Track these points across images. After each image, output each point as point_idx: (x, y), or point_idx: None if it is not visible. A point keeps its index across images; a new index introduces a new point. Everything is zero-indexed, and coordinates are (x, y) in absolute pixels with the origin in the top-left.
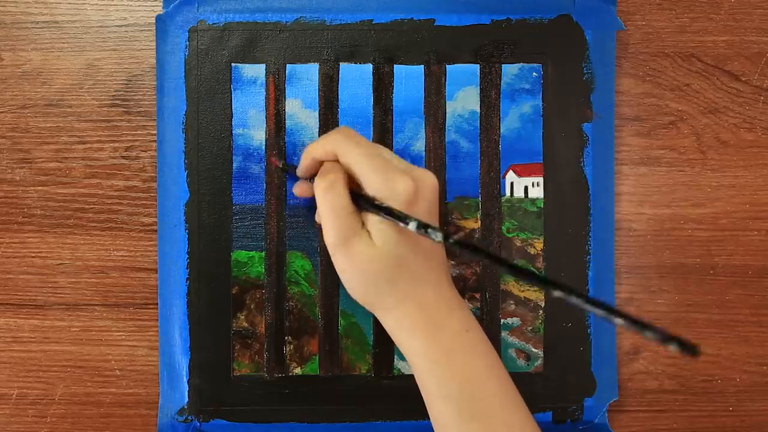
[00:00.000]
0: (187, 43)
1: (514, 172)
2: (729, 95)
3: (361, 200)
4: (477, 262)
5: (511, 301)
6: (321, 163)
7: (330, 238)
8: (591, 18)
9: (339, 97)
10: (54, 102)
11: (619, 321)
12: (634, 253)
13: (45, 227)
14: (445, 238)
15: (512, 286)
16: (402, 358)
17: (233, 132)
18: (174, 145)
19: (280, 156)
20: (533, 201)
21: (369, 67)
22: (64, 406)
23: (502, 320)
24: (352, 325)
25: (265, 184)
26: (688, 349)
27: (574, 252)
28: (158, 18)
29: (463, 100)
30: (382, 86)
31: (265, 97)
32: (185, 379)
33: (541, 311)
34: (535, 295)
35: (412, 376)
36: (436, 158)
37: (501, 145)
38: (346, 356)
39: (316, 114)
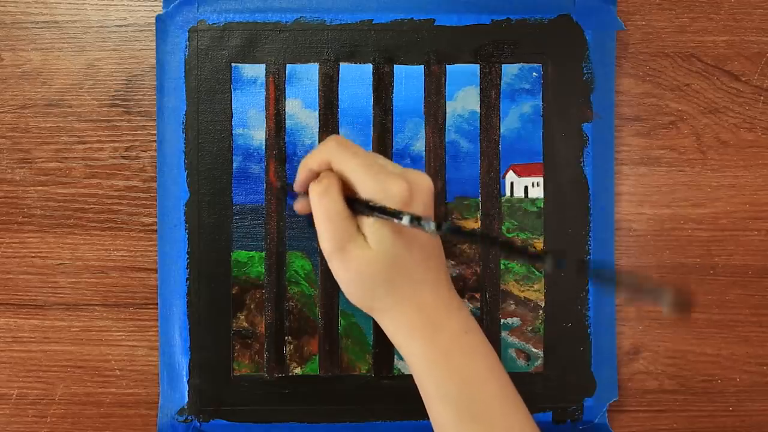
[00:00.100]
0: (187, 43)
1: (514, 172)
2: (729, 95)
3: (355, 204)
4: (477, 262)
5: (511, 301)
6: (317, 174)
7: (326, 243)
8: (591, 18)
9: (339, 97)
10: (54, 102)
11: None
12: (634, 253)
13: (45, 227)
14: (438, 226)
15: (512, 286)
16: (402, 358)
17: (233, 132)
18: (174, 145)
19: (280, 168)
20: (533, 201)
21: (369, 67)
22: (64, 406)
23: (502, 320)
24: (352, 325)
25: (265, 184)
26: (682, 307)
27: (574, 252)
28: (158, 18)
29: (463, 100)
30: (382, 86)
31: (265, 97)
32: (185, 379)
33: (541, 311)
34: (535, 295)
35: (411, 376)
36: (436, 158)
37: (501, 145)
38: (346, 356)
39: (316, 114)
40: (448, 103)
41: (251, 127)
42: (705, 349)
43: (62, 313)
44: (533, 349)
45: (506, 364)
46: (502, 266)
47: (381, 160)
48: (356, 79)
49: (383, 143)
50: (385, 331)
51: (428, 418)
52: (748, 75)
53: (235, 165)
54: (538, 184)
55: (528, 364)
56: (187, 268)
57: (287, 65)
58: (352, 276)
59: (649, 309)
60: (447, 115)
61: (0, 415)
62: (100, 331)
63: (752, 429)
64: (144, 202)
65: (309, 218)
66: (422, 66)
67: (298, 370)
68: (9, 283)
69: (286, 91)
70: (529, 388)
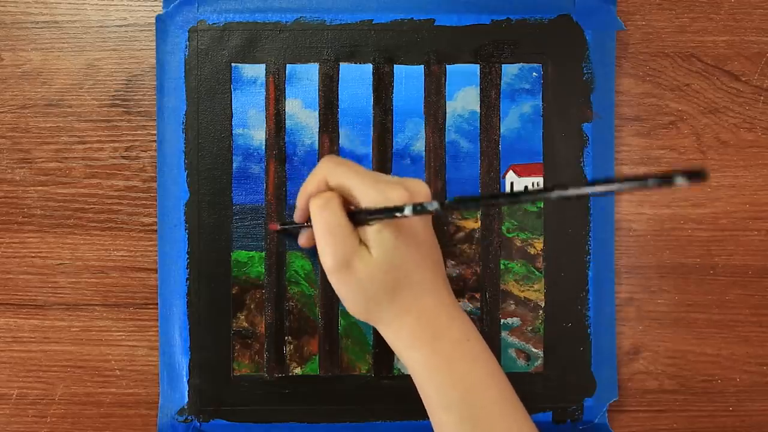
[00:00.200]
0: (187, 43)
1: (514, 172)
2: (729, 95)
3: (356, 215)
4: (477, 262)
5: (511, 301)
6: None
7: (328, 258)
8: (591, 18)
9: (339, 97)
10: (54, 102)
11: (617, 186)
12: (634, 253)
13: (45, 227)
14: (441, 204)
15: (512, 286)
16: None
17: (233, 132)
18: (174, 145)
19: (278, 187)
20: (533, 201)
21: (369, 67)
22: (64, 406)
23: (502, 320)
24: (352, 325)
25: (265, 184)
26: (695, 175)
27: (574, 252)
28: (158, 18)
29: (463, 100)
30: (382, 86)
31: (265, 97)
32: (185, 379)
33: (541, 311)
34: (535, 295)
35: (411, 377)
36: (436, 158)
37: (501, 145)
38: (346, 356)
39: (316, 114)
40: (448, 103)
41: (251, 127)
42: (705, 349)
43: (62, 313)
44: (533, 349)
45: (506, 364)
46: (502, 266)
47: (375, 173)
48: (356, 79)
49: (383, 143)
50: (386, 340)
51: (428, 419)
52: (748, 75)
53: (235, 165)
54: (538, 184)
55: (528, 364)
56: (187, 268)
57: (287, 65)
58: (355, 289)
59: (649, 309)
60: (447, 115)
61: (0, 415)
62: (100, 331)
63: (752, 429)
64: (144, 202)
65: (316, 253)
66: (422, 66)
67: (298, 370)
68: (9, 283)
69: (286, 91)
70: (529, 388)
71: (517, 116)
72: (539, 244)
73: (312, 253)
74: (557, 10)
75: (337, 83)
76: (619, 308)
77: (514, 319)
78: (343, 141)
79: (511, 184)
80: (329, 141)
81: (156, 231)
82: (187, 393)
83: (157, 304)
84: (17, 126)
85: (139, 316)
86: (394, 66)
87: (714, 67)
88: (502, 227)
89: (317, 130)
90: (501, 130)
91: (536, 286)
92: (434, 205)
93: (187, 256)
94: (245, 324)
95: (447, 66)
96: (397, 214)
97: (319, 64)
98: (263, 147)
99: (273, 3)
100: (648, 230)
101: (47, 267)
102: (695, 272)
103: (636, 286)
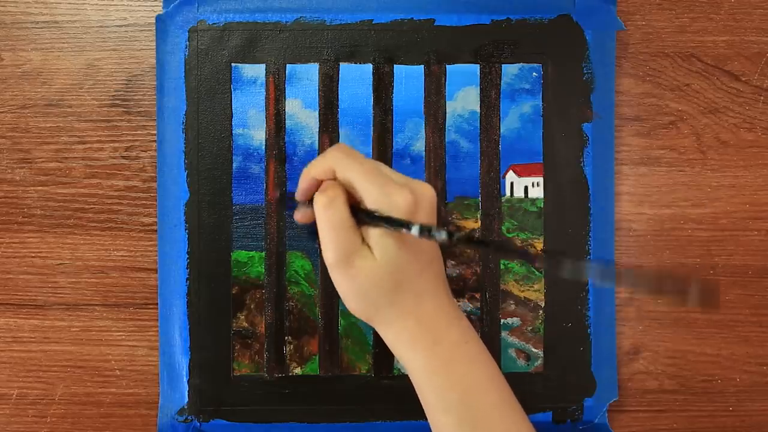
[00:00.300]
0: (187, 43)
1: (514, 172)
2: (729, 95)
3: (360, 215)
4: (477, 262)
5: (511, 301)
6: (320, 183)
7: (330, 255)
8: (591, 18)
9: (339, 97)
10: (54, 102)
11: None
12: (634, 253)
13: (45, 227)
14: (450, 236)
15: (512, 286)
16: None
17: (233, 132)
18: (174, 145)
19: (278, 181)
20: (533, 201)
21: (369, 67)
22: (64, 406)
23: (502, 320)
24: (352, 325)
25: (265, 184)
26: (707, 300)
27: (574, 252)
28: (158, 18)
29: (463, 100)
30: (382, 86)
31: (265, 97)
32: (185, 379)
33: (541, 311)
34: (535, 295)
35: None
36: (436, 158)
37: (501, 145)
38: (346, 356)
39: (316, 114)
40: (448, 103)
41: (251, 127)
42: (705, 349)
43: (62, 313)
44: (533, 349)
45: (506, 364)
46: (502, 266)
47: (385, 169)
48: (356, 79)
49: (383, 143)
50: (386, 341)
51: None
52: (748, 75)
53: (235, 165)
54: (538, 184)
55: (528, 364)
56: (187, 268)
57: (287, 65)
58: (356, 288)
59: (649, 309)
60: (447, 115)
61: (0, 415)
62: (100, 331)
63: (752, 429)
64: (144, 202)
65: (310, 228)
66: (422, 66)
67: (298, 370)
68: (9, 283)
69: (286, 91)
70: (529, 388)
71: (517, 116)
72: (539, 244)
73: (312, 253)
74: (557, 10)
75: (337, 83)
76: (619, 308)
77: (514, 319)
78: (343, 141)
79: (511, 184)
80: (329, 141)
81: (156, 231)
82: (187, 393)
83: (157, 304)
84: (17, 126)
85: (139, 316)
86: (394, 66)
87: (714, 67)
88: (502, 227)
89: (317, 130)
90: (501, 130)
91: (536, 286)
92: (442, 235)
93: (187, 256)
94: (245, 324)
95: (447, 66)
96: (403, 230)
97: (319, 64)
98: (263, 147)
99: (273, 3)
100: (648, 230)
101: (47, 267)
102: (695, 272)
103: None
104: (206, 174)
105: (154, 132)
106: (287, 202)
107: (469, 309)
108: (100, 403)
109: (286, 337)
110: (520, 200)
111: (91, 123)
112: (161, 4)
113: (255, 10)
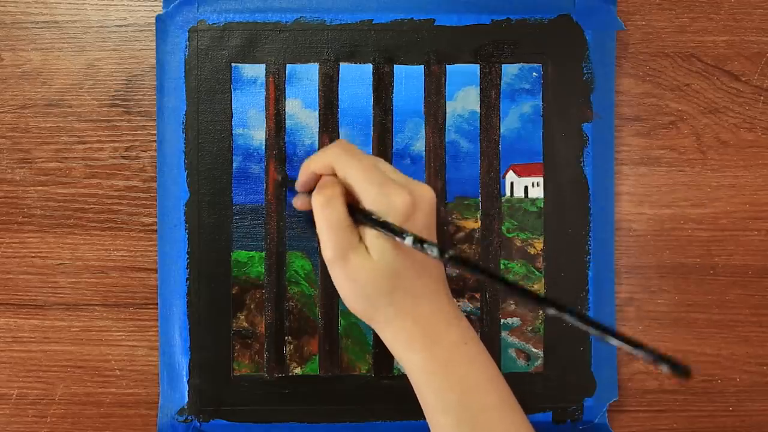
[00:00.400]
0: (187, 43)
1: (514, 172)
2: (729, 95)
3: (358, 214)
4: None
5: (511, 301)
6: (319, 176)
7: (328, 252)
8: (591, 18)
9: (339, 97)
10: (54, 102)
11: (613, 341)
12: (634, 253)
13: (45, 227)
14: (441, 253)
15: None
16: None
17: (233, 132)
18: (174, 145)
19: (280, 166)
20: (533, 201)
21: (369, 67)
22: (64, 406)
23: (502, 320)
24: (352, 325)
25: (265, 184)
26: (680, 370)
27: (574, 252)
28: (158, 18)
29: (463, 100)
30: (382, 86)
31: (265, 97)
32: (185, 379)
33: (541, 311)
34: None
35: None
36: (436, 158)
37: (501, 145)
38: (346, 356)
39: (316, 114)
40: (448, 103)
41: (251, 127)
42: (705, 349)
43: (62, 313)
44: (533, 349)
45: (506, 364)
46: (502, 266)
47: (385, 166)
48: (356, 79)
49: (383, 143)
50: (384, 342)
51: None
52: (748, 75)
53: (235, 165)
54: (538, 184)
55: (528, 364)
56: (187, 268)
57: (287, 65)
58: (353, 285)
59: (649, 309)
60: (447, 115)
61: (0, 415)
62: (100, 331)
63: (752, 429)
64: (144, 202)
65: (309, 215)
66: (422, 66)
67: (298, 370)
68: (9, 283)
69: (286, 91)
70: (529, 388)
71: (517, 116)
72: (539, 244)
73: (312, 253)
74: (557, 10)
75: (337, 83)
76: (619, 308)
77: (514, 319)
78: None
79: (511, 184)
80: (329, 141)
81: (156, 231)
82: (187, 393)
83: (157, 304)
84: (17, 126)
85: (139, 316)
86: (394, 66)
87: (714, 67)
88: (502, 227)
89: (317, 130)
90: (501, 130)
91: (536, 286)
92: (434, 251)
93: (187, 256)
94: (245, 324)
95: (447, 66)
96: (397, 239)
97: (319, 64)
98: (263, 147)
99: (273, 3)
100: (648, 230)
101: (47, 267)
102: (695, 272)
103: (636, 286)
104: (206, 174)
105: (154, 132)
106: (288, 185)
107: (469, 309)
108: (100, 403)
109: (286, 337)
110: (520, 200)
111: (91, 123)
112: (161, 4)
113: (255, 10)
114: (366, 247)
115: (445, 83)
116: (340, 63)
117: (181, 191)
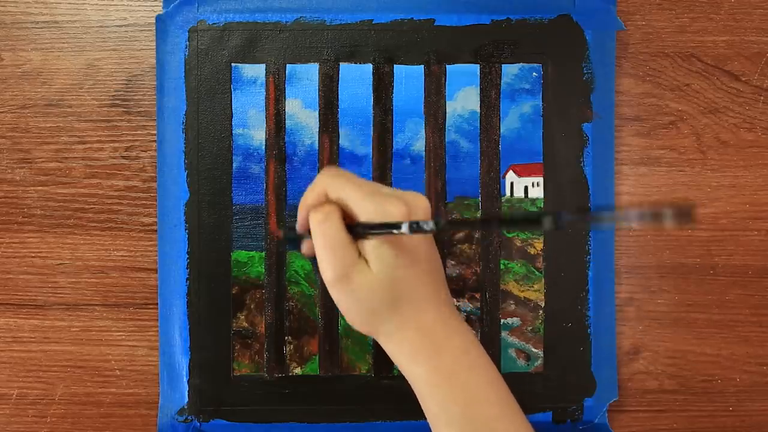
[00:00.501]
0: (187, 43)
1: (514, 172)
2: (729, 95)
3: (355, 229)
4: (477, 262)
5: (511, 301)
6: None
7: (328, 272)
8: (591, 18)
9: (339, 97)
10: (54, 102)
11: (613, 216)
12: (634, 253)
13: (45, 227)
14: (437, 224)
15: (512, 286)
16: None
17: (233, 132)
18: (174, 145)
19: (282, 222)
20: (533, 201)
21: (369, 67)
22: (64, 406)
23: (502, 320)
24: None
25: (265, 184)
26: (684, 213)
27: (574, 252)
28: (158, 18)
29: (463, 100)
30: (382, 86)
31: (265, 97)
32: (185, 379)
33: (541, 311)
34: (535, 295)
35: None
36: (436, 158)
37: (501, 145)
38: (346, 356)
39: (316, 114)
40: (448, 103)
41: (251, 127)
42: (705, 349)
43: (62, 313)
44: (533, 349)
45: (506, 364)
46: (502, 266)
47: (375, 185)
48: (356, 79)
49: (383, 143)
50: (387, 353)
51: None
52: (748, 75)
53: (235, 165)
54: (538, 184)
55: (528, 364)
56: (187, 268)
57: (287, 65)
58: (355, 303)
59: (649, 309)
60: (447, 115)
61: (0, 415)
62: (100, 331)
63: (752, 429)
64: (144, 202)
65: (291, 235)
66: (422, 66)
67: (298, 370)
68: (9, 283)
69: (286, 91)
70: (529, 388)
71: (517, 116)
72: (539, 244)
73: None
74: (557, 10)
75: (337, 83)
76: (619, 308)
77: (514, 319)
78: (343, 141)
79: (511, 184)
80: (329, 141)
81: (156, 231)
82: (187, 393)
83: (157, 304)
84: (17, 126)
85: (139, 316)
86: (394, 66)
87: (714, 67)
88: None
89: (317, 130)
90: (501, 130)
91: (536, 286)
92: (430, 225)
93: (187, 256)
94: (245, 324)
95: (447, 66)
96: (394, 231)
97: (319, 64)
98: (263, 147)
99: (273, 3)
100: (648, 230)
101: (47, 267)
102: (695, 272)
103: (636, 286)
104: (206, 174)
105: (154, 132)
106: (290, 242)
107: (469, 309)
108: (100, 403)
109: (286, 337)
110: (520, 200)
111: (91, 123)
112: (161, 4)
113: (255, 10)
114: (366, 262)
115: (445, 83)
116: (340, 63)
117: (181, 191)
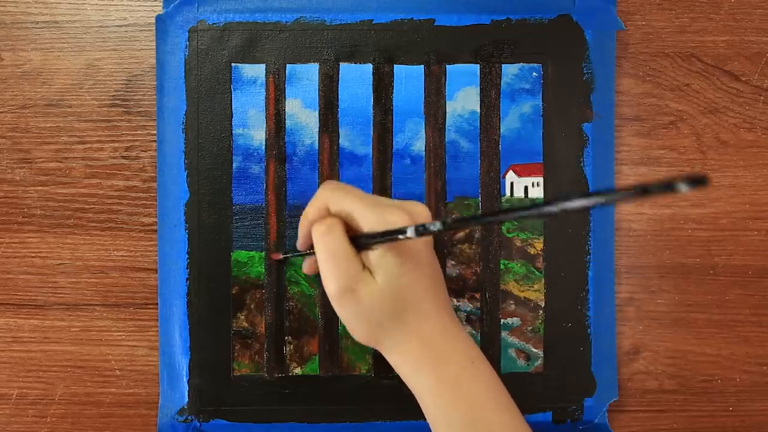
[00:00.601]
0: (187, 43)
1: (514, 172)
2: (729, 95)
3: (358, 240)
4: (477, 262)
5: (511, 301)
6: None
7: (332, 285)
8: (591, 18)
9: (339, 97)
10: (54, 102)
11: (621, 197)
12: (634, 253)
13: (45, 227)
14: (443, 224)
15: (512, 286)
16: None
17: (233, 132)
18: (174, 145)
19: (279, 246)
20: (533, 201)
21: (369, 67)
22: (64, 406)
23: (502, 320)
24: None
25: (265, 184)
26: (697, 181)
27: (574, 252)
28: (158, 18)
29: (463, 100)
30: (382, 86)
31: (265, 97)
32: (185, 379)
33: (541, 311)
34: (535, 295)
35: None
36: (436, 158)
37: (501, 145)
38: (346, 356)
39: (316, 114)
40: (448, 103)
41: (251, 127)
42: (705, 349)
43: (62, 313)
44: (533, 349)
45: (506, 364)
46: (502, 266)
47: (375, 197)
48: (356, 79)
49: (383, 143)
50: (391, 364)
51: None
52: (748, 75)
53: (235, 165)
54: (538, 184)
55: (528, 364)
56: (187, 268)
57: (287, 65)
58: (360, 316)
59: (649, 309)
60: (447, 115)
61: (0, 415)
62: (100, 331)
63: (752, 429)
64: (144, 202)
65: (319, 278)
66: (422, 66)
67: (298, 370)
68: (9, 283)
69: (286, 91)
70: (529, 388)
71: (517, 116)
72: (539, 244)
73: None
74: (557, 10)
75: (337, 83)
76: (619, 308)
77: (514, 319)
78: (343, 141)
79: (511, 184)
80: (329, 141)
81: (156, 231)
82: (187, 393)
83: (157, 304)
84: (17, 126)
85: (139, 316)
86: (394, 66)
87: (714, 67)
88: (502, 227)
89: (317, 130)
90: (501, 130)
91: (536, 286)
92: (437, 226)
93: (187, 256)
94: (245, 324)
95: (447, 66)
96: (400, 237)
97: (319, 64)
98: (263, 147)
99: (273, 3)
100: (648, 230)
101: (47, 267)
102: (695, 272)
103: (636, 286)
104: (206, 174)
105: (154, 132)
106: (290, 257)
107: (469, 309)
108: (100, 403)
109: (286, 337)
110: (520, 200)
111: (91, 123)
112: (161, 4)
113: (255, 10)
114: (371, 273)
115: (445, 83)
116: (340, 63)
117: (181, 191)
